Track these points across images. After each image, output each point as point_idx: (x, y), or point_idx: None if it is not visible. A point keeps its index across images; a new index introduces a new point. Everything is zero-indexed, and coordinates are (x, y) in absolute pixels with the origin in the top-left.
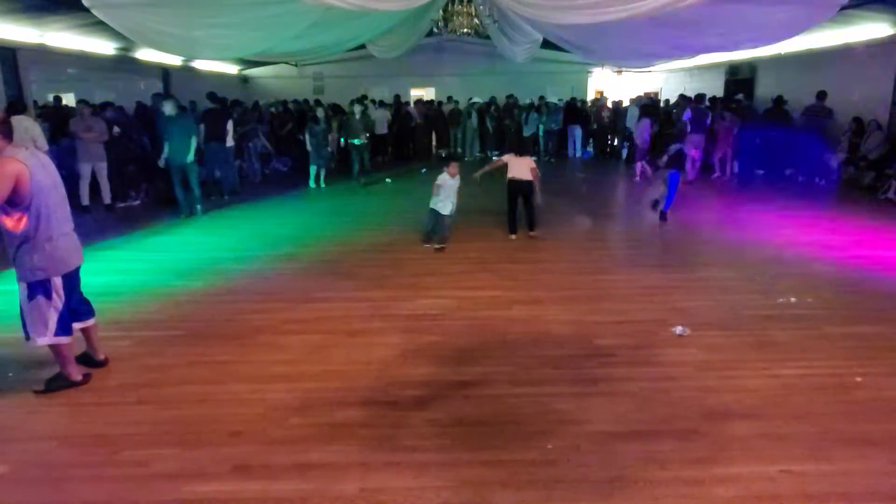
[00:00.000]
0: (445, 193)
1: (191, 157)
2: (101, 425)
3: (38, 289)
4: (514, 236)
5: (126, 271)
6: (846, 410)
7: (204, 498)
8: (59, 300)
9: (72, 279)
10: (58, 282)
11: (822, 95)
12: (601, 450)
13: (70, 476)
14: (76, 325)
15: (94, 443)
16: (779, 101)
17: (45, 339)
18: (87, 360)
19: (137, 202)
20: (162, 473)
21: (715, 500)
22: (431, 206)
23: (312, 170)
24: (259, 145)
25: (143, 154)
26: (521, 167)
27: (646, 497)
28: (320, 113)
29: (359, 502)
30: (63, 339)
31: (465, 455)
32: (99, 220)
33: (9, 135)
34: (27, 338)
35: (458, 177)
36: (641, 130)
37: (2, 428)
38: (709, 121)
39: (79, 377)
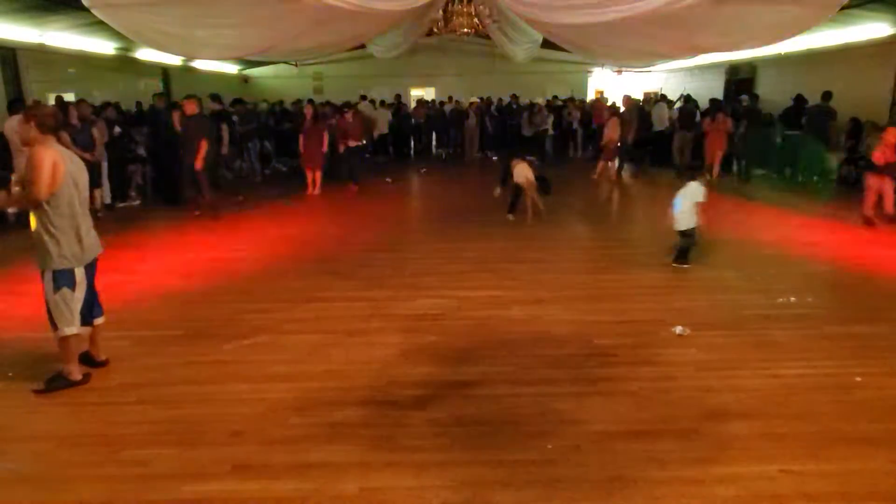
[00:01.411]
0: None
1: (199, 162)
2: (101, 425)
3: (63, 278)
4: (511, 216)
5: (126, 271)
6: (846, 410)
7: (204, 498)
8: (81, 291)
9: (90, 271)
10: (81, 272)
11: (827, 96)
12: (601, 449)
13: (70, 476)
14: (93, 322)
15: (94, 442)
16: (799, 99)
17: (73, 329)
18: (88, 359)
19: (137, 202)
20: (162, 473)
21: (715, 500)
22: (685, 227)
23: (308, 175)
24: (258, 145)
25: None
26: (521, 172)
27: (646, 497)
28: (308, 112)
29: (358, 502)
30: (85, 330)
31: (465, 455)
32: (99, 219)
33: (46, 128)
34: (55, 328)
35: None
36: (609, 130)
37: (2, 427)
38: None
39: (79, 377)
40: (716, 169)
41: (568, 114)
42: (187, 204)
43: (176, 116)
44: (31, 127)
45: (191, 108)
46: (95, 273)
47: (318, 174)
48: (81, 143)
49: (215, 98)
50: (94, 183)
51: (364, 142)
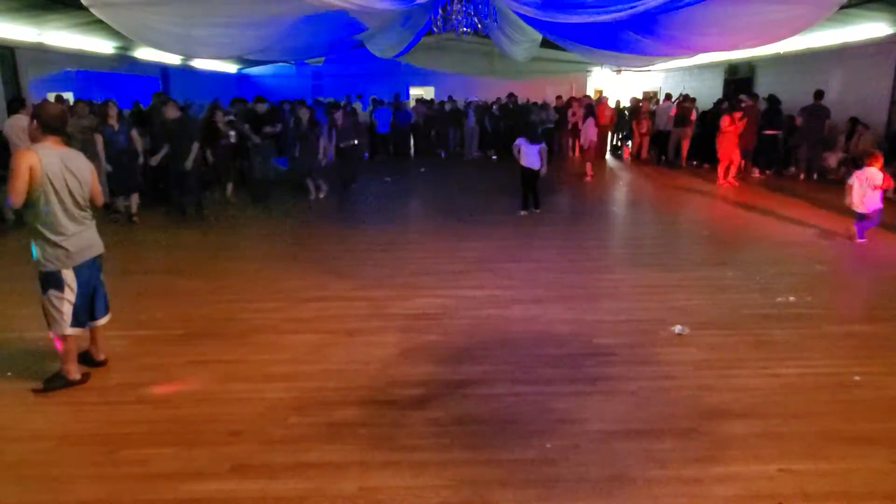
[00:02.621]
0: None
1: (189, 163)
2: (100, 424)
3: (48, 280)
4: (524, 212)
5: (124, 270)
6: (845, 409)
7: (203, 497)
8: (71, 293)
9: (86, 272)
10: (69, 275)
11: (819, 95)
12: (600, 449)
13: (69, 475)
14: (95, 322)
15: (92, 442)
16: (772, 100)
17: (62, 331)
18: (87, 359)
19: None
20: (161, 473)
21: (714, 499)
22: (865, 209)
23: (309, 183)
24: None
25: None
26: (531, 154)
27: (645, 496)
28: (304, 115)
29: (358, 501)
30: (76, 332)
31: (465, 454)
32: (97, 218)
33: (47, 128)
34: (49, 328)
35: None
36: (587, 131)
37: (0, 427)
38: None
39: (78, 376)
40: (733, 170)
41: (572, 113)
42: (176, 208)
43: (219, 115)
44: (34, 126)
45: (172, 111)
46: (100, 272)
47: (314, 181)
48: (118, 145)
49: (260, 100)
50: (133, 188)
51: (356, 142)
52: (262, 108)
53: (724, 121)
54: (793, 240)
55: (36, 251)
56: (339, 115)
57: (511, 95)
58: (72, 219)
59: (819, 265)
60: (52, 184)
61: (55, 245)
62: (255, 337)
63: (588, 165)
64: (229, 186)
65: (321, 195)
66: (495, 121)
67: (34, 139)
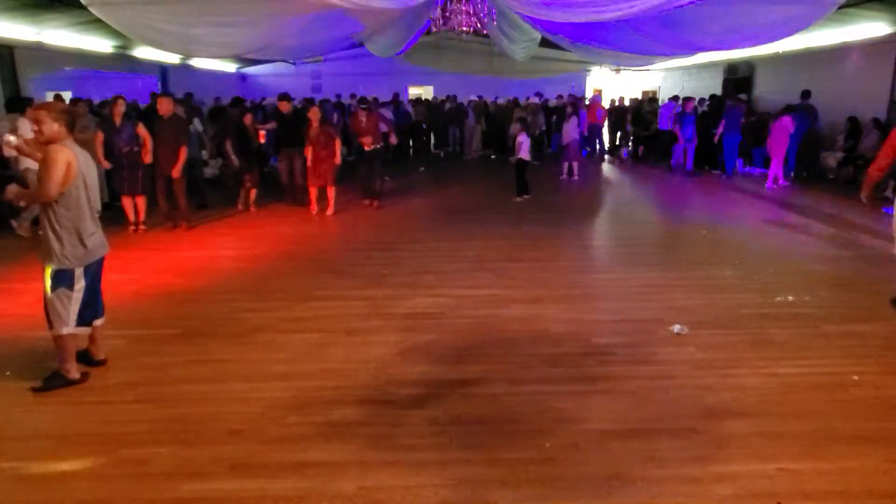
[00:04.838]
0: None
1: (177, 172)
2: (99, 424)
3: (61, 278)
4: (519, 199)
5: (124, 270)
6: (843, 409)
7: (202, 497)
8: (80, 291)
9: (93, 271)
10: (80, 273)
11: (806, 94)
12: (599, 448)
13: (68, 475)
14: (94, 322)
15: (92, 441)
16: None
17: (68, 329)
18: (86, 358)
19: None
20: (160, 472)
21: (713, 498)
22: None
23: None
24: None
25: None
26: (528, 147)
27: (644, 495)
28: (315, 114)
29: (357, 501)
30: (81, 331)
31: (464, 454)
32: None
33: (71, 125)
34: (51, 327)
35: None
36: (571, 129)
37: (0, 427)
38: None
39: (77, 375)
40: (780, 171)
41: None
42: (167, 216)
43: (250, 118)
44: (60, 126)
45: (165, 107)
46: (101, 273)
47: (332, 190)
48: (119, 144)
49: (284, 98)
50: (138, 190)
51: (381, 144)
52: (285, 108)
53: (785, 120)
54: (790, 239)
55: (54, 248)
56: (361, 115)
57: (538, 94)
58: (93, 218)
59: (818, 265)
60: (84, 181)
61: (76, 244)
62: (254, 336)
63: (565, 165)
64: (253, 192)
65: (329, 210)
66: (491, 120)
67: (57, 139)
